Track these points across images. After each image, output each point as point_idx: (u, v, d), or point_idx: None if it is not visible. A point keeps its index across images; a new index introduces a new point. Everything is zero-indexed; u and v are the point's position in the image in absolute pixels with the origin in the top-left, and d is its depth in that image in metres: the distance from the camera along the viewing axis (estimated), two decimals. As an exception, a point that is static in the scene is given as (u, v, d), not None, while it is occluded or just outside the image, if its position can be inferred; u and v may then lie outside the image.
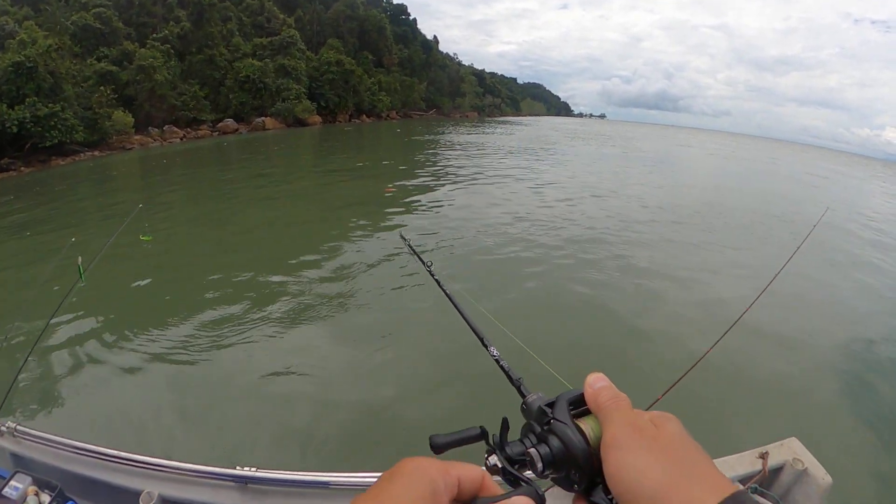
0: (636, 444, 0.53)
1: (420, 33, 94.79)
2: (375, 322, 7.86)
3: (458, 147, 37.99)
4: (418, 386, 6.25)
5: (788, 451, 2.57)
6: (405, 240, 3.32)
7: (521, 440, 0.66)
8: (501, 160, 30.00)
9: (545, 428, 0.64)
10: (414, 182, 20.37)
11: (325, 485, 2.07)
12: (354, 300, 8.62)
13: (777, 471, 2.52)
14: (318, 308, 8.20)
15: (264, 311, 8.02)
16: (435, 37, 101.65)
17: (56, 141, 28.45)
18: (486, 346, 1.37)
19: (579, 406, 0.65)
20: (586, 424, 0.62)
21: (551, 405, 0.66)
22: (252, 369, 6.48)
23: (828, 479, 2.40)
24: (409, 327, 7.68)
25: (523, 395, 0.79)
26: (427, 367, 6.61)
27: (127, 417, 5.52)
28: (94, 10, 40.88)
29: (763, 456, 2.50)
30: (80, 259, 3.49)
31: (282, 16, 61.67)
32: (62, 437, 2.21)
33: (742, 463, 2.51)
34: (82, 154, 31.22)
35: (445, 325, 6.94)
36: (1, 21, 32.16)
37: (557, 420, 0.63)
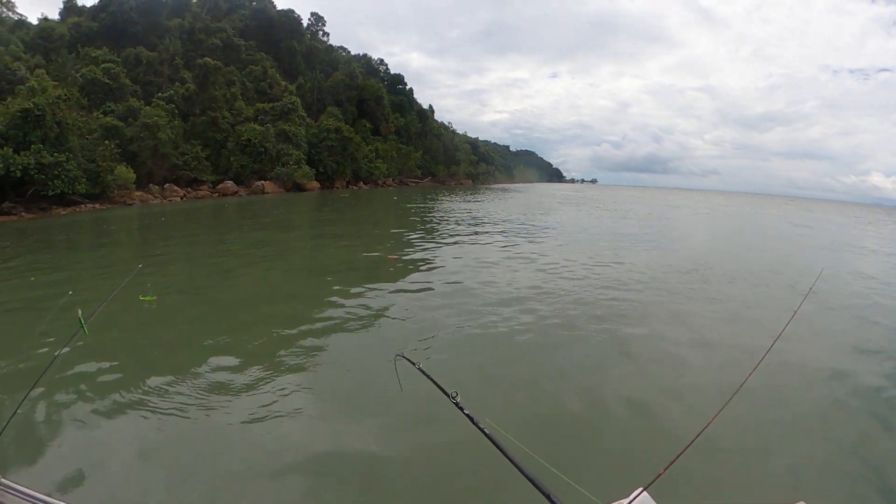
0: None
1: (416, 102, 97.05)
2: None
3: (453, 213, 37.82)
4: None
5: None
6: (413, 363, 2.92)
7: None
8: (495, 226, 29.65)
9: None
10: (412, 251, 19.83)
11: None
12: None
13: None
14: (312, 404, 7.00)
15: (257, 380, 7.38)
16: (430, 106, 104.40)
17: (59, 191, 27.99)
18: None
19: None
20: None
21: None
22: (243, 437, 5.96)
23: None
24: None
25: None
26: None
27: (114, 477, 5.11)
28: (103, 65, 41.39)
29: None
30: (80, 311, 3.43)
31: (284, 83, 62.87)
32: (47, 495, 2.12)
33: None
34: (83, 205, 30.66)
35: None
36: (13, 67, 32.22)
37: None
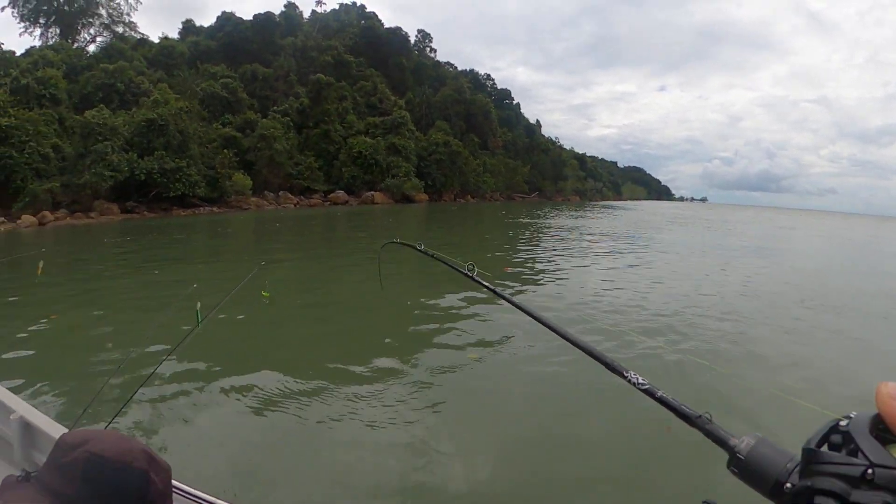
0: None
1: (524, 117, 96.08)
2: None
3: (562, 229, 36.24)
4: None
5: None
6: (416, 247, 2.31)
7: None
8: (607, 244, 27.92)
9: (863, 485, 0.39)
10: (520, 260, 18.77)
11: None
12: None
13: None
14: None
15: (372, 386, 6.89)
16: (538, 121, 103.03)
17: (179, 193, 29.02)
18: (620, 373, 0.97)
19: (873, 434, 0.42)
20: None
21: (831, 441, 0.44)
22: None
23: None
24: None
25: (725, 442, 0.58)
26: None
27: (220, 463, 5.14)
28: (221, 80, 43.26)
29: None
30: (199, 305, 3.49)
31: (393, 98, 63.48)
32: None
33: None
34: (202, 208, 31.73)
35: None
36: (137, 80, 33.89)
37: (881, 466, 0.38)
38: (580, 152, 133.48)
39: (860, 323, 11.59)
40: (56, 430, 2.04)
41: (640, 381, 0.90)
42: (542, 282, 15.01)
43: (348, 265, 16.73)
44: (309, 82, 51.49)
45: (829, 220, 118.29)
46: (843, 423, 0.40)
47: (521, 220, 43.44)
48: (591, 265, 18.82)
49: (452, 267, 1.87)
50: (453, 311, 10.52)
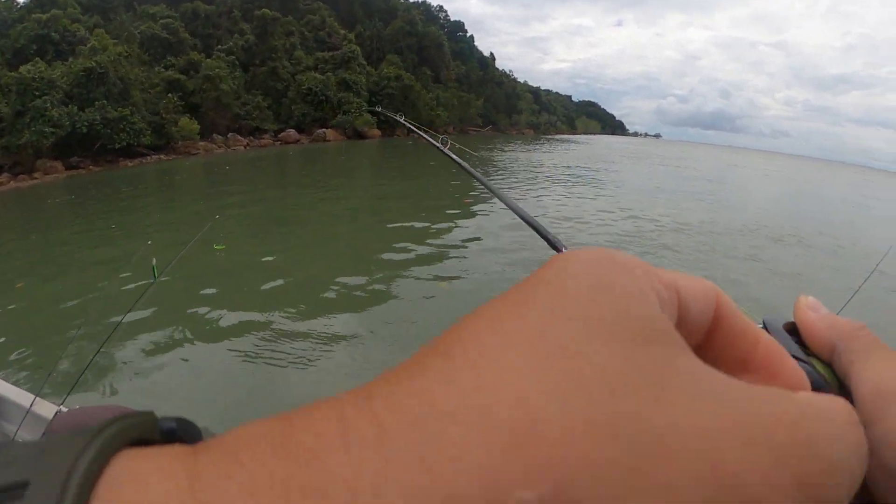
0: None
1: (477, 50, 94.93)
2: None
3: (517, 162, 37.30)
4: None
5: None
6: (387, 114, 2.59)
7: None
8: (562, 176, 29.22)
9: None
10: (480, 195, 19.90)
11: None
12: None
13: None
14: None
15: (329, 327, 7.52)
16: (491, 53, 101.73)
17: (124, 143, 28.90)
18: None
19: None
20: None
21: None
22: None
23: None
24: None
25: None
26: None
27: (192, 414, 5.04)
28: (161, 21, 41.99)
29: None
30: (154, 260, 3.47)
31: (342, 31, 62.25)
32: None
33: None
34: (149, 157, 31.53)
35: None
36: (73, 28, 32.94)
37: (794, 357, 0.34)
38: (534, 86, 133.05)
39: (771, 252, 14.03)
40: (23, 399, 2.29)
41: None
42: (499, 213, 16.21)
43: (304, 205, 17.36)
44: (254, 18, 50.17)
45: (779, 162, 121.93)
46: (760, 322, 0.35)
47: (475, 153, 44.10)
48: (543, 196, 20.34)
49: (426, 138, 2.08)
50: (416, 246, 11.43)
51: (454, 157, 1.91)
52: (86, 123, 27.02)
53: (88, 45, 30.11)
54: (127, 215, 16.06)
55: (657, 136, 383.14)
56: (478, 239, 12.58)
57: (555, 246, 1.12)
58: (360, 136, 55.03)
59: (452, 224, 14.33)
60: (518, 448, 0.17)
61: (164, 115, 33.23)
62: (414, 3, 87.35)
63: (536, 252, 10.71)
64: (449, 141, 1.97)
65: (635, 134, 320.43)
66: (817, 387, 0.31)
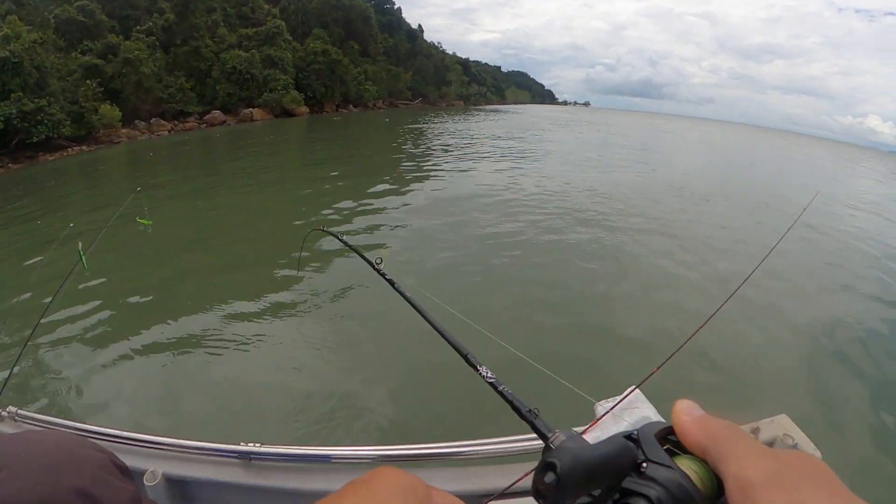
0: (799, 482, 0.37)
1: (405, 22, 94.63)
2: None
3: (446, 133, 38.35)
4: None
5: (778, 427, 2.42)
6: (337, 237, 2.63)
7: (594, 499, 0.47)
8: (491, 144, 30.67)
9: (635, 475, 0.45)
10: (413, 165, 21.03)
11: (326, 458, 2.06)
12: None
13: (769, 445, 2.44)
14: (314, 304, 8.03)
15: (256, 300, 8.02)
16: (420, 26, 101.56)
17: (43, 136, 28.27)
18: (474, 367, 1.19)
19: (664, 444, 0.49)
20: (685, 466, 0.45)
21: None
22: (244, 352, 6.67)
23: (817, 453, 2.22)
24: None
25: (545, 436, 0.67)
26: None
27: (129, 400, 5.65)
28: (76, 4, 40.48)
29: (754, 431, 2.37)
30: (80, 244, 3.36)
31: (266, 6, 61.17)
32: (64, 420, 2.14)
33: None
34: (70, 149, 30.93)
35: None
36: (-17, 15, 31.77)
37: (654, 462, 0.45)
38: (463, 57, 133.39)
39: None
40: None
41: (489, 375, 1.11)
42: (429, 179, 17.60)
43: (230, 190, 17.59)
44: (173, -5, 48.89)
45: (704, 127, 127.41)
46: (635, 433, 0.47)
47: (405, 126, 44.89)
48: (474, 166, 21.61)
49: (363, 258, 2.15)
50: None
51: (386, 276, 1.98)
52: (2, 118, 26.38)
53: (0, 34, 29.15)
54: (53, 213, 15.89)
55: (586, 104, 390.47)
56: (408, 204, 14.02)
57: (474, 366, 1.18)
58: (288, 113, 54.82)
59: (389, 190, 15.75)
60: None
61: (83, 104, 32.48)
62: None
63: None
64: (382, 259, 2.05)
65: (564, 103, 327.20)
66: (677, 489, 0.41)
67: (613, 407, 2.11)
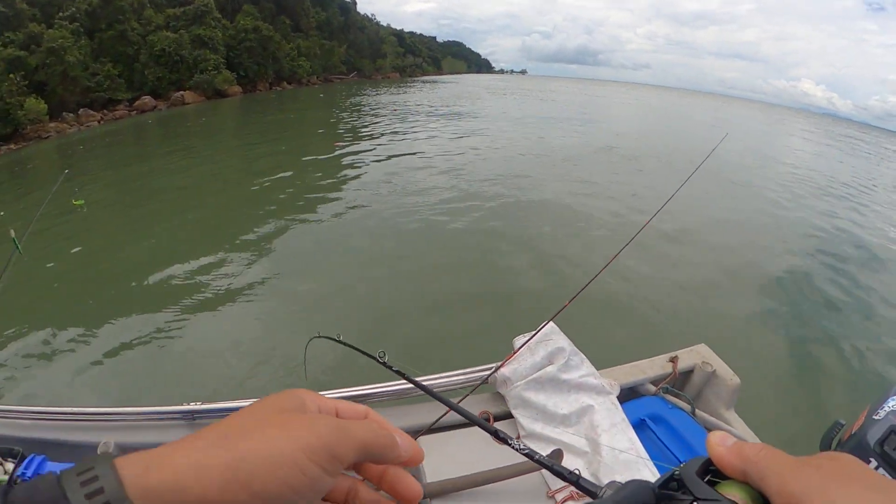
0: (836, 484, 0.39)
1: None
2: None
3: (383, 107, 38.95)
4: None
5: (697, 355, 2.76)
6: (334, 339, 1.95)
7: None
8: (429, 115, 31.61)
9: None
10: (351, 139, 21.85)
11: None
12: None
13: (688, 374, 2.72)
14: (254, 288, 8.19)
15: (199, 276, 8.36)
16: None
17: (-35, 138, 27.59)
18: (503, 440, 1.15)
19: (705, 475, 0.49)
20: (732, 494, 0.45)
21: (669, 487, 0.50)
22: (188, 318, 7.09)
23: (736, 380, 2.58)
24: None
25: (593, 494, 0.69)
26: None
27: (79, 378, 5.81)
28: (-6, -7, 38.96)
29: (673, 360, 2.71)
30: (12, 231, 3.35)
31: (193, -17, 59.60)
32: (17, 406, 2.21)
33: (654, 367, 2.68)
34: (-4, 148, 30.29)
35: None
36: None
37: (703, 499, 0.45)
38: (398, 29, 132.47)
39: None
40: None
41: (523, 446, 1.06)
42: (370, 153, 18.40)
43: (166, 173, 17.59)
44: (96, -24, 47.28)
45: (640, 92, 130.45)
46: (677, 471, 0.47)
47: (341, 101, 45.00)
48: (410, 135, 23.01)
49: (366, 354, 1.71)
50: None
51: (394, 369, 1.68)
52: (-79, 124, 25.65)
53: (-86, 32, 28.12)
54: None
55: (523, 72, 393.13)
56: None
57: (505, 441, 1.13)
58: (221, 94, 54.09)
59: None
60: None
61: (7, 100, 31.72)
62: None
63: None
64: (387, 354, 1.72)
65: (501, 71, 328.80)
66: None
67: (529, 339, 2.36)
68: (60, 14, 42.85)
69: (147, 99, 47.26)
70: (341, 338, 1.76)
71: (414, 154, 18.17)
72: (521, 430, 2.21)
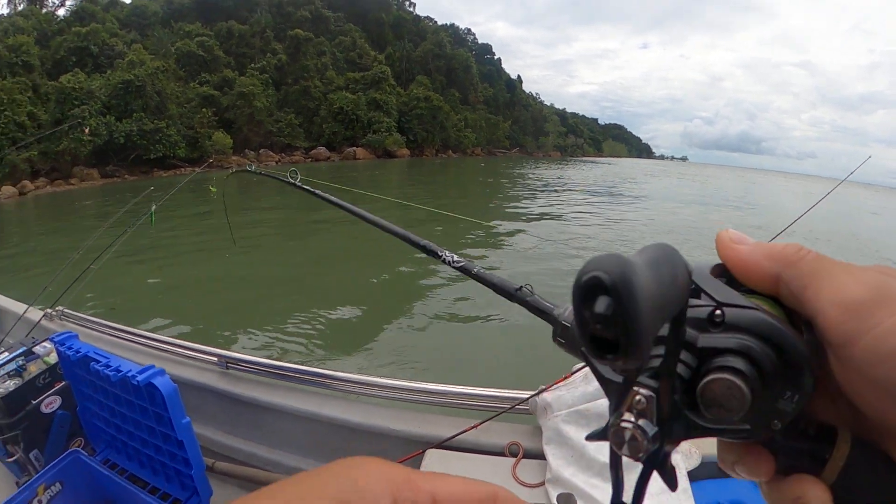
0: None
1: (504, 72, 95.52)
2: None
3: (545, 180, 37.92)
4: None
5: None
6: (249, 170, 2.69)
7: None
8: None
9: (711, 328, 0.30)
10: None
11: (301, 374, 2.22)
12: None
13: None
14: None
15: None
16: (519, 76, 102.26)
17: (160, 154, 29.29)
18: (439, 256, 1.05)
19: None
20: (759, 304, 0.31)
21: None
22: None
23: None
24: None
25: (549, 314, 0.58)
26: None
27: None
28: (196, 39, 42.80)
29: None
30: (153, 205, 3.53)
31: (373, 53, 62.98)
32: (96, 318, 2.70)
33: None
34: (183, 168, 31.78)
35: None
36: (111, 42, 33.63)
37: (735, 306, 0.30)
38: (560, 108, 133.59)
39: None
40: (17, 307, 2.90)
41: (455, 259, 0.94)
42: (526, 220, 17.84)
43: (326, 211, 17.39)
44: (286, 38, 50.99)
45: (805, 183, 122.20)
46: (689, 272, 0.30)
47: (503, 172, 44.38)
48: (567, 211, 21.81)
49: (277, 177, 2.08)
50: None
51: (307, 188, 1.86)
52: (123, 134, 27.60)
53: (126, 59, 30.77)
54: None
55: (684, 158, 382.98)
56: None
57: (433, 252, 1.04)
58: (390, 154, 55.42)
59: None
60: None
61: (198, 129, 33.79)
62: (443, 25, 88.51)
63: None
64: (298, 173, 1.93)
65: (662, 157, 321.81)
66: (770, 331, 0.28)
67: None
68: (252, 65, 46.20)
69: (322, 149, 49.24)
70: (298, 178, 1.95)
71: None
72: (548, 473, 1.74)
